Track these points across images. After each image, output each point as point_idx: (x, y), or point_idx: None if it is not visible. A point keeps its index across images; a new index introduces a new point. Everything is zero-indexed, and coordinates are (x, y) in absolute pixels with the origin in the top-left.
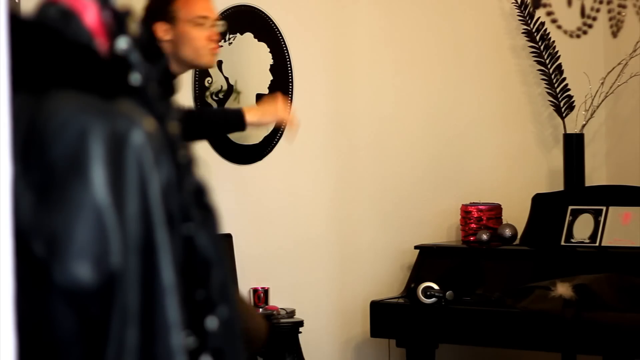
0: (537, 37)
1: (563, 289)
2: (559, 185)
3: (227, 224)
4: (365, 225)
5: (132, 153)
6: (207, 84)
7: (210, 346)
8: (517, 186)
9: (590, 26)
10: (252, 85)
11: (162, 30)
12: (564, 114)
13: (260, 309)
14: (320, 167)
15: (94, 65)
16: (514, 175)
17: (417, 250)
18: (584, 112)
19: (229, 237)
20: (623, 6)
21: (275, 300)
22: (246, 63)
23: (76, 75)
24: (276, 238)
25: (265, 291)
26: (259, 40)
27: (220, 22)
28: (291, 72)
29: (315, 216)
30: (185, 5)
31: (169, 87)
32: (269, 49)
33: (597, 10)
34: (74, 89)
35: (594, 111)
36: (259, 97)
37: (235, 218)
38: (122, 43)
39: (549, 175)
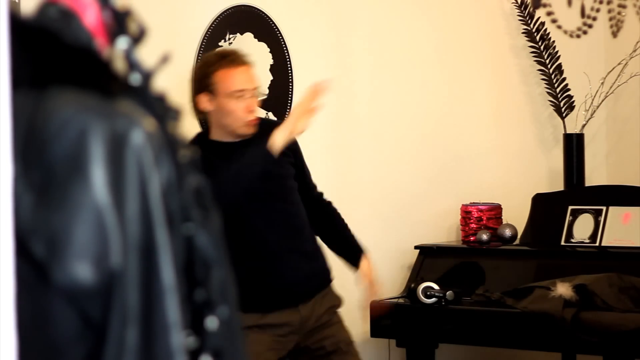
0: (537, 37)
1: (563, 289)
2: (559, 185)
3: None
4: (365, 226)
5: (132, 153)
6: None
7: (210, 346)
8: (517, 186)
9: (590, 26)
10: None
11: (204, 102)
12: (564, 114)
13: None
14: (320, 167)
15: (94, 65)
16: (514, 175)
17: (417, 250)
18: (584, 112)
19: None
20: (623, 6)
21: None
22: None
23: (76, 75)
24: None
25: None
26: (259, 40)
27: (259, 91)
28: (291, 72)
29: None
30: (224, 78)
31: (229, 155)
32: (269, 49)
33: (597, 10)
34: (74, 88)
35: (594, 111)
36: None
37: None
38: (122, 43)
39: (549, 175)
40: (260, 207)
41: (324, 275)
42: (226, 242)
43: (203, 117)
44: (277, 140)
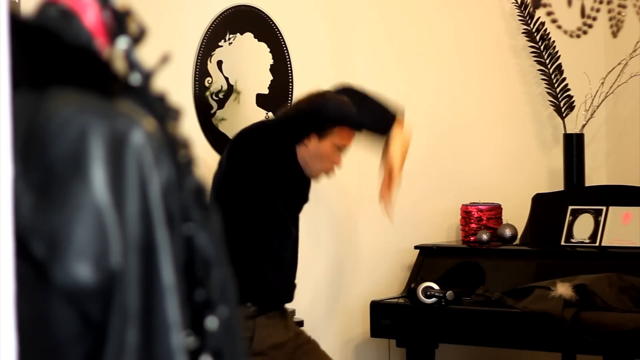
0: (537, 37)
1: (563, 289)
2: (559, 185)
3: None
4: (365, 225)
5: (132, 153)
6: (207, 84)
7: (210, 346)
8: (517, 186)
9: (590, 26)
10: (252, 85)
11: (310, 140)
12: (564, 114)
13: None
14: None
15: (94, 65)
16: (514, 175)
17: (417, 250)
18: (584, 112)
19: None
20: (623, 6)
21: None
22: (246, 63)
23: (76, 75)
24: None
25: None
26: (259, 40)
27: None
28: (291, 72)
29: (315, 216)
30: (341, 133)
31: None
32: (269, 49)
33: (597, 10)
34: (74, 88)
35: (594, 111)
36: (259, 97)
37: None
38: (122, 43)
39: (549, 175)
40: (280, 230)
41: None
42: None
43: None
44: (397, 127)
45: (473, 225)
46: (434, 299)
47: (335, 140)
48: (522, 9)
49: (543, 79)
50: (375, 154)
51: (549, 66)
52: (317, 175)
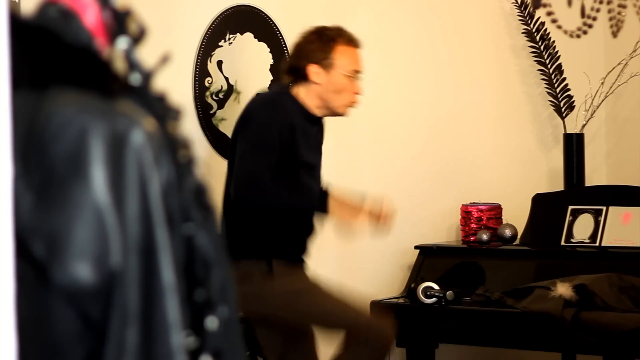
0: (537, 37)
1: (563, 289)
2: (559, 185)
3: None
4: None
5: (132, 153)
6: (207, 84)
7: (210, 346)
8: (517, 186)
9: (590, 26)
10: (252, 85)
11: (314, 73)
12: (564, 114)
13: None
14: None
15: (94, 65)
16: (514, 175)
17: (417, 250)
18: (584, 112)
19: None
20: (623, 6)
21: None
22: (246, 63)
23: (76, 75)
24: None
25: None
26: (259, 40)
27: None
28: None
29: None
30: (345, 56)
31: (306, 130)
32: (269, 49)
33: (597, 10)
34: (74, 89)
35: (594, 111)
36: None
37: None
38: (122, 43)
39: (549, 175)
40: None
41: None
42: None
43: (289, 82)
44: (337, 213)
45: (473, 225)
46: (434, 299)
47: (342, 67)
48: (522, 9)
49: (543, 79)
50: (376, 152)
51: (549, 66)
52: (343, 111)
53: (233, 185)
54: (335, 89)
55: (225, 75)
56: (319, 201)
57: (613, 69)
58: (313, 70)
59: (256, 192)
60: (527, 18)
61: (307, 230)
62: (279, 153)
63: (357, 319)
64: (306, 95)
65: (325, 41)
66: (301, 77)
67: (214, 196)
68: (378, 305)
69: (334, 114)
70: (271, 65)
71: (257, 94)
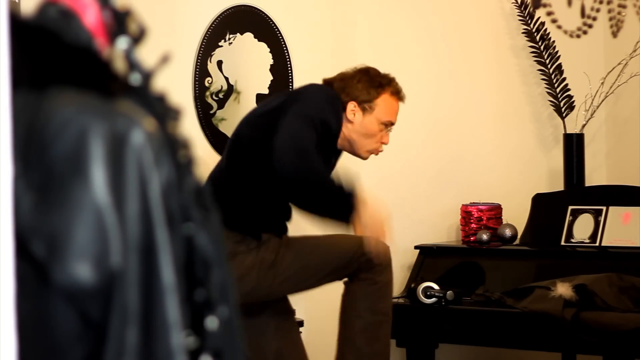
0: (537, 37)
1: (563, 289)
2: (559, 185)
3: None
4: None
5: (132, 153)
6: (207, 84)
7: (210, 346)
8: (517, 186)
9: (590, 26)
10: (252, 85)
11: (351, 111)
12: (564, 114)
13: None
14: None
15: (94, 65)
16: (514, 175)
17: (417, 250)
18: (584, 112)
19: None
20: (623, 6)
21: None
22: (246, 63)
23: (76, 75)
24: None
25: None
26: (259, 40)
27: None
28: (291, 72)
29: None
30: (386, 105)
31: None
32: (269, 49)
33: (597, 10)
34: (74, 89)
35: (594, 111)
36: (259, 97)
37: None
38: (122, 43)
39: (549, 175)
40: None
41: None
42: None
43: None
44: (360, 208)
45: (473, 225)
46: (434, 299)
47: (380, 115)
48: (522, 9)
49: (543, 79)
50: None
51: (549, 66)
52: (365, 155)
53: (278, 147)
54: (366, 132)
55: (225, 75)
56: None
57: (613, 69)
58: (351, 107)
59: (302, 162)
60: (527, 18)
61: (288, 212)
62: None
63: (352, 246)
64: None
65: (374, 85)
66: None
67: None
68: None
69: (354, 154)
70: (271, 65)
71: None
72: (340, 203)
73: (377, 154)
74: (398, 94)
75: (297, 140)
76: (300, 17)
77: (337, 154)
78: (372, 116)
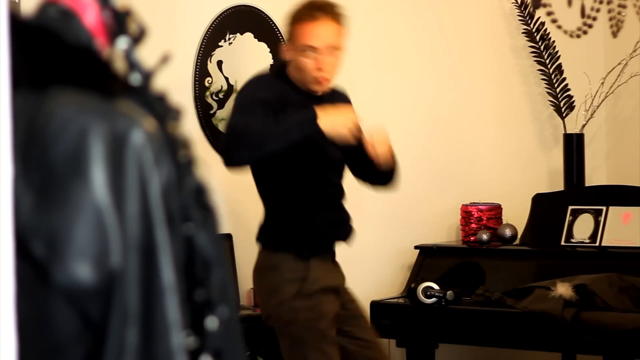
0: (537, 37)
1: (563, 289)
2: (559, 185)
3: (227, 224)
4: (365, 225)
5: (132, 153)
6: (207, 84)
7: (210, 346)
8: (517, 186)
9: (590, 26)
10: None
11: (284, 50)
12: (564, 114)
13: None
14: None
15: (94, 65)
16: (514, 175)
17: (417, 250)
18: (584, 112)
19: (229, 237)
20: (623, 6)
21: None
22: (246, 63)
23: (76, 75)
24: None
25: None
26: (259, 40)
27: (337, 49)
28: None
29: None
30: (301, 32)
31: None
32: (269, 49)
33: (597, 10)
34: (74, 89)
35: (594, 111)
36: None
37: (235, 218)
38: (122, 43)
39: (549, 175)
40: None
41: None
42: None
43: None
44: (323, 122)
45: (473, 225)
46: (434, 299)
47: (297, 44)
48: (522, 9)
49: (543, 79)
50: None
51: (549, 66)
52: (314, 88)
53: (221, 151)
54: (297, 65)
55: (225, 75)
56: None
57: (613, 69)
58: (283, 47)
59: (238, 141)
60: (527, 18)
61: (328, 210)
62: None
63: None
64: (292, 73)
65: (291, 18)
66: None
67: (213, 196)
68: (378, 305)
69: (307, 89)
70: (271, 65)
71: None
72: (298, 128)
73: (323, 82)
74: (311, 17)
75: (228, 133)
76: None
77: (321, 100)
78: (294, 48)
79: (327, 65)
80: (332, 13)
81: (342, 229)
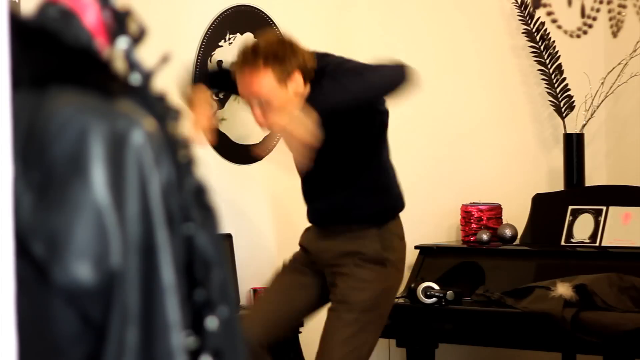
0: (537, 37)
1: (563, 289)
2: (559, 185)
3: (227, 224)
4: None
5: (132, 153)
6: None
7: (210, 346)
8: (517, 186)
9: (590, 26)
10: None
11: None
12: (564, 114)
13: None
14: None
15: (94, 65)
16: (514, 175)
17: (417, 250)
18: (584, 112)
19: (229, 237)
20: (623, 6)
21: None
22: None
23: (76, 75)
24: (276, 238)
25: None
26: None
27: (261, 97)
28: None
29: None
30: (237, 84)
31: None
32: None
33: (597, 10)
34: (74, 88)
35: (594, 111)
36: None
37: (235, 218)
38: (122, 43)
39: (549, 175)
40: None
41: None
42: None
43: None
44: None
45: (473, 225)
46: (434, 299)
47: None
48: (522, 9)
49: (543, 79)
50: None
51: (549, 66)
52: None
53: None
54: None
55: None
56: None
57: (613, 69)
58: None
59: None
60: (527, 18)
61: (314, 201)
62: None
63: None
64: None
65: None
66: None
67: (213, 196)
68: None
69: None
70: None
71: None
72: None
73: (263, 127)
74: (239, 68)
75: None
76: (300, 17)
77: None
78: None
79: (256, 114)
80: (246, 59)
81: (334, 214)
